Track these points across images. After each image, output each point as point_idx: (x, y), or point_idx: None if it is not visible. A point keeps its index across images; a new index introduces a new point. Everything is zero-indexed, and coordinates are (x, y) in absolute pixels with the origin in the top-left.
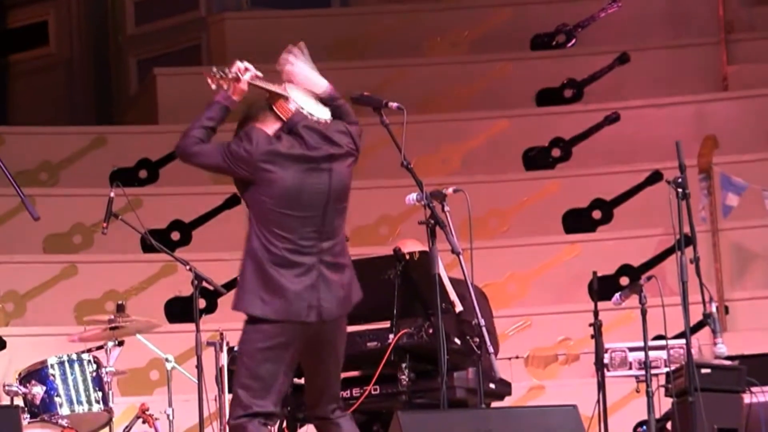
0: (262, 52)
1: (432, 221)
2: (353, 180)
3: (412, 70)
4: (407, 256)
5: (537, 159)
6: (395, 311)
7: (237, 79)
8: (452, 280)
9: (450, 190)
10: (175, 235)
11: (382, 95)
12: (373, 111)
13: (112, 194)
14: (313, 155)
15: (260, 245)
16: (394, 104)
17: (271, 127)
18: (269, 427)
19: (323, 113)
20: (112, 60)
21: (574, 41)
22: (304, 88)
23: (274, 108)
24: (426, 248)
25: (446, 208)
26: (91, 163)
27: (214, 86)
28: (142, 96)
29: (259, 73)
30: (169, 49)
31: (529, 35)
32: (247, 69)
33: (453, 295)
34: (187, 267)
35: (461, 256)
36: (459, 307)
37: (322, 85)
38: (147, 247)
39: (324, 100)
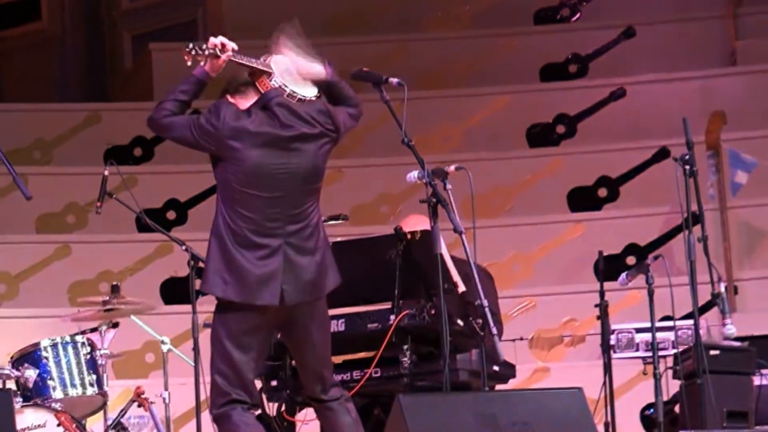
0: (259, 27)
1: (434, 200)
2: (355, 158)
3: (413, 45)
4: (408, 236)
5: (541, 136)
6: (396, 292)
7: (215, 56)
8: (455, 260)
9: (452, 167)
10: (171, 215)
11: (382, 71)
12: (372, 87)
13: (106, 173)
14: (282, 134)
15: (224, 224)
16: (394, 80)
17: (250, 101)
18: (252, 411)
19: (308, 90)
20: (106, 36)
21: (578, 15)
22: (295, 61)
23: (257, 84)
24: (427, 226)
25: (448, 186)
26: (84, 141)
27: (189, 63)
28: (137, 72)
29: (234, 45)
30: (165, 24)
31: (533, 9)
32: (224, 45)
33: (455, 275)
34: (183, 247)
35: (463, 236)
36: (462, 288)
37: (318, 71)
38: (142, 227)
39: (322, 85)
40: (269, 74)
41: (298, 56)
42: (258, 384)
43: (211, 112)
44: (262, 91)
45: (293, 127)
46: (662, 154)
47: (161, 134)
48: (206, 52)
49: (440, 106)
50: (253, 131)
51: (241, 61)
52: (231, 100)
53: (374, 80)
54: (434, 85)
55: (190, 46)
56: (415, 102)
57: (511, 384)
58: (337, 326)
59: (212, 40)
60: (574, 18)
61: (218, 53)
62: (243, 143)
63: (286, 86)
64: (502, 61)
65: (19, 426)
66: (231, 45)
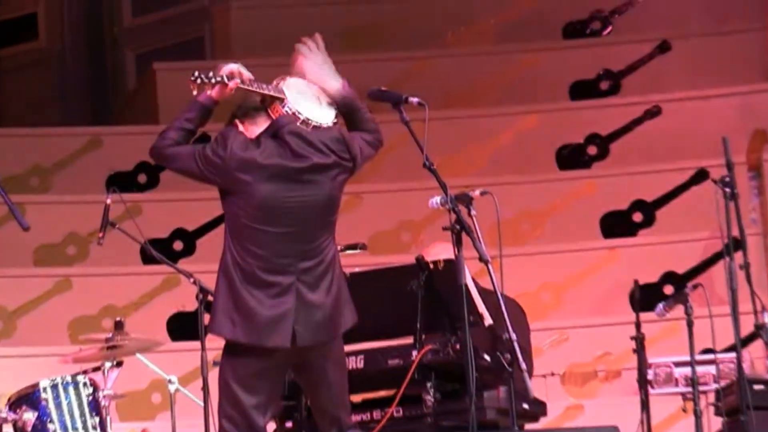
0: (269, 44)
1: (457, 227)
2: (374, 183)
3: (434, 62)
4: (431, 265)
5: (571, 157)
6: (419, 325)
7: (222, 84)
8: (481, 291)
9: (477, 192)
10: (178, 245)
11: (401, 90)
12: (392, 107)
13: (108, 201)
14: (293, 165)
15: (233, 261)
16: (414, 99)
17: (261, 128)
18: None
19: (323, 116)
20: (108, 54)
21: (610, 28)
22: (311, 84)
23: (268, 110)
24: (452, 255)
25: (473, 212)
26: (85, 167)
27: (195, 92)
28: (141, 93)
29: (250, 75)
30: (170, 41)
31: (561, 22)
32: (232, 73)
33: (481, 307)
34: (191, 279)
35: (490, 265)
36: (488, 320)
37: (335, 85)
38: (147, 259)
39: (336, 102)
40: (282, 100)
41: (315, 68)
42: (272, 426)
43: (217, 143)
44: (273, 118)
45: (306, 157)
46: (701, 175)
47: (164, 165)
48: (212, 81)
49: (464, 127)
50: (263, 163)
51: (250, 88)
52: (240, 127)
53: (393, 100)
54: (457, 104)
55: (195, 74)
56: (437, 123)
57: (542, 423)
58: (356, 363)
59: (225, 68)
60: (606, 32)
61: (226, 81)
62: (251, 176)
63: (299, 113)
64: (529, 78)
65: None
66: (247, 75)
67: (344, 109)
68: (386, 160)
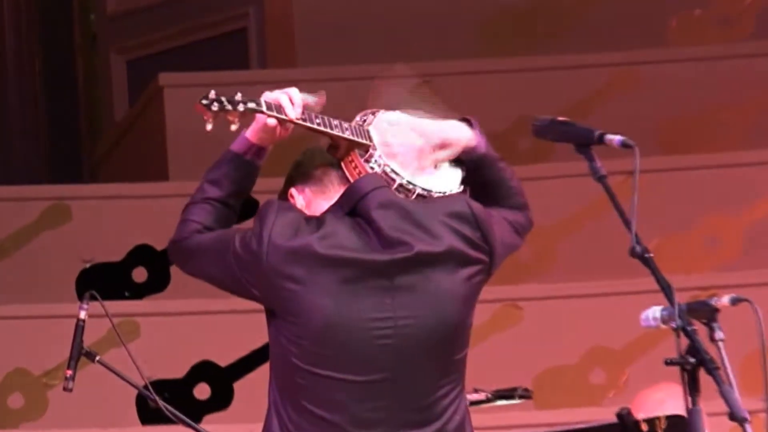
0: (350, 43)
1: (692, 359)
2: (542, 282)
3: (646, 73)
4: (645, 426)
5: None
6: None
7: (261, 113)
8: None
9: (725, 299)
10: (202, 391)
11: (589, 121)
12: (575, 150)
13: (82, 315)
14: (382, 259)
15: (281, 429)
16: (615, 138)
17: (331, 199)
18: None
19: (438, 181)
20: (80, 61)
21: None
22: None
23: (343, 166)
24: (680, 408)
25: (718, 335)
26: (42, 256)
27: (209, 126)
28: (137, 126)
29: (309, 99)
30: (186, 38)
31: None
32: (279, 103)
33: None
34: None
35: (748, 425)
36: None
37: (462, 134)
38: (149, 415)
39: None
40: (366, 148)
41: (419, 110)
42: None
43: (253, 230)
44: (351, 180)
45: (404, 244)
46: None
47: (187, 269)
48: (239, 107)
49: (700, 184)
50: (323, 254)
51: (312, 126)
52: (297, 198)
53: (578, 138)
54: (687, 145)
55: (211, 95)
56: (654, 176)
57: None
58: None
59: (268, 95)
60: None
61: (264, 109)
62: (302, 282)
63: (394, 172)
64: None
65: None
66: (299, 100)
67: (475, 173)
68: (562, 242)
